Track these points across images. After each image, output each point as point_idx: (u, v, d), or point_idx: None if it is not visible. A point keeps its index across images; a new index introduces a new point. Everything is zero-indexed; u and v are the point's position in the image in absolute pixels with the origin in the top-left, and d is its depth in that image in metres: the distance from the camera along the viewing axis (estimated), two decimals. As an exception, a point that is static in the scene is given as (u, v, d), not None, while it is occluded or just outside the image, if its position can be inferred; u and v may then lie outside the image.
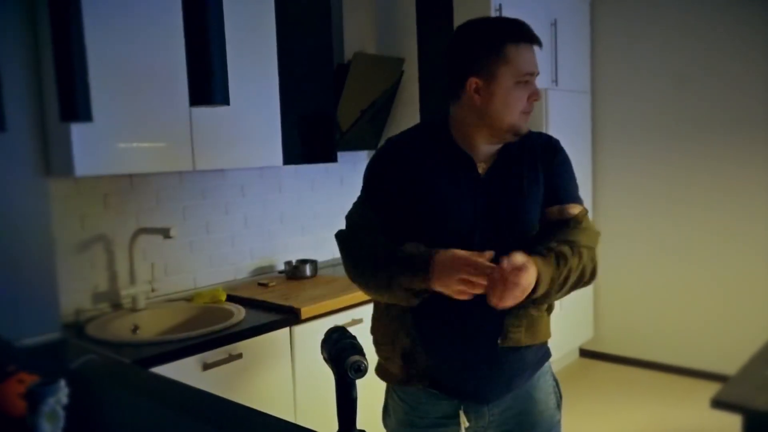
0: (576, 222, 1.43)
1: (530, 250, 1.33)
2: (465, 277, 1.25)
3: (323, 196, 3.31)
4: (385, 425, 1.64)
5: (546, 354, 1.57)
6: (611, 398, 3.70)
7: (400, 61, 3.33)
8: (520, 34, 1.38)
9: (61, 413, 0.82)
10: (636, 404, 3.58)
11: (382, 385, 2.71)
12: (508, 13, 3.31)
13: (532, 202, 1.45)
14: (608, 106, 4.18)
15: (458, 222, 1.41)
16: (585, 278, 1.41)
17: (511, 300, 1.24)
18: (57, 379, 0.82)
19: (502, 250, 1.29)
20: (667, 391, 3.73)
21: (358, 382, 1.04)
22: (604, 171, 4.23)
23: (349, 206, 3.80)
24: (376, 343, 1.56)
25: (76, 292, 2.33)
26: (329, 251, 3.33)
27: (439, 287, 1.30)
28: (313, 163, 2.98)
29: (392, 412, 1.60)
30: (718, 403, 1.76)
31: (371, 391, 2.66)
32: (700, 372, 3.77)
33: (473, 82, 1.39)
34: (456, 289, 1.28)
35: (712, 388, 1.90)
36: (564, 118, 3.84)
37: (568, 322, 3.78)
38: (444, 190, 1.42)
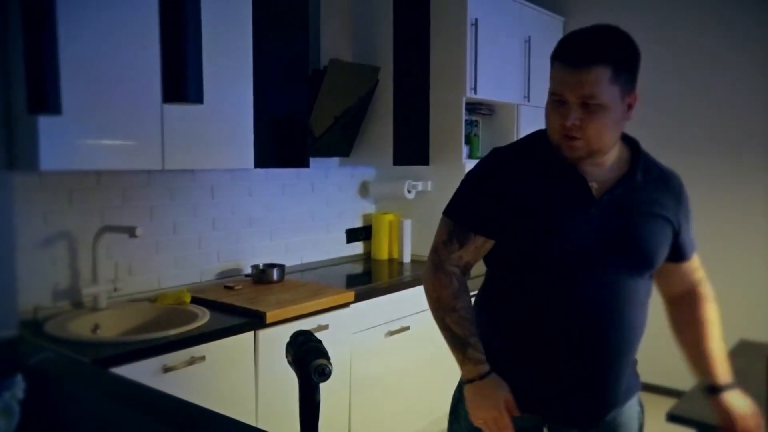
0: (700, 288, 1.55)
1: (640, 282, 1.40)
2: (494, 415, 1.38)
3: (293, 202, 3.30)
4: (451, 431, 1.58)
5: (637, 383, 1.54)
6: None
7: (376, 70, 3.35)
8: (560, 50, 1.31)
9: (17, 409, 0.80)
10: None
11: (345, 391, 2.70)
12: (483, 27, 3.36)
13: (656, 237, 1.39)
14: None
15: (570, 240, 1.35)
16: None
17: None
18: (13, 374, 0.80)
19: (615, 279, 1.36)
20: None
21: (323, 387, 1.03)
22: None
23: (319, 212, 3.78)
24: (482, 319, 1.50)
25: (35, 289, 2.28)
26: (297, 256, 3.32)
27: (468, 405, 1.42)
28: (284, 167, 2.97)
29: (462, 416, 1.50)
30: (673, 417, 1.80)
31: (335, 396, 2.65)
32: (656, 387, 3.84)
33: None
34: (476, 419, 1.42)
35: (667, 403, 1.94)
36: (534, 134, 3.89)
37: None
38: (551, 206, 1.36)
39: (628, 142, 1.46)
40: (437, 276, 1.45)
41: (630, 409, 1.52)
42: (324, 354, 1.01)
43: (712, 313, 1.53)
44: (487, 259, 1.50)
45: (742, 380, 2.02)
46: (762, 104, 3.63)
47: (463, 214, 1.45)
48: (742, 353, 2.28)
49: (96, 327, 2.27)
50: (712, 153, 3.78)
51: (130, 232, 2.31)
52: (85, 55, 2.02)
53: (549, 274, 1.37)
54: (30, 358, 1.56)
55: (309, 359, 1.00)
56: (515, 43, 3.70)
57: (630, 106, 1.34)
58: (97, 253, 2.39)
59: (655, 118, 3.94)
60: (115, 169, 2.38)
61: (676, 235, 1.43)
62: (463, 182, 1.49)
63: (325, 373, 0.99)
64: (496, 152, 1.48)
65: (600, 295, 1.36)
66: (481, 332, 1.47)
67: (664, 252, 1.42)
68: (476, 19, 3.32)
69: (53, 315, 2.26)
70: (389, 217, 3.61)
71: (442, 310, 1.44)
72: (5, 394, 0.76)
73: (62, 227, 2.35)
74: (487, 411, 1.38)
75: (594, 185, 1.37)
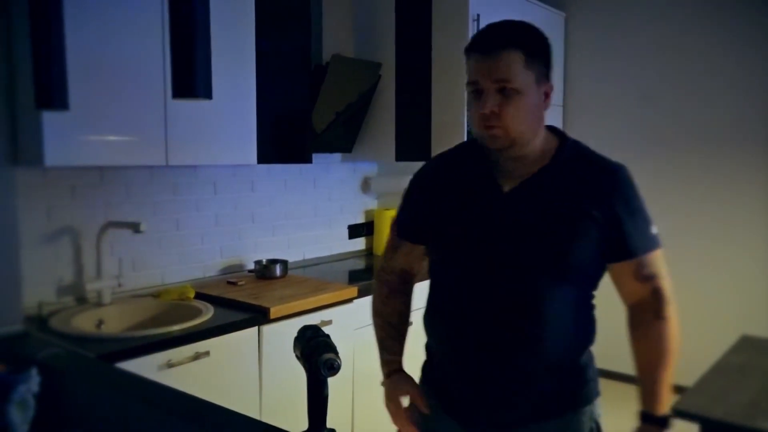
0: (656, 304, 1.37)
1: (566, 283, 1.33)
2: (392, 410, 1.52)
3: (296, 197, 3.30)
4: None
5: (588, 391, 1.42)
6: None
7: (378, 66, 3.34)
8: (473, 43, 1.33)
9: (32, 402, 0.80)
10: (596, 413, 3.63)
11: (348, 386, 2.71)
12: (485, 23, 3.34)
13: (573, 233, 1.30)
14: (579, 119, 4.25)
15: (475, 239, 1.35)
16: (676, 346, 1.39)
17: None
18: (28, 368, 0.80)
19: (529, 281, 1.30)
20: (626, 400, 3.79)
21: (329, 381, 1.04)
22: (573, 183, 4.30)
23: (321, 207, 3.78)
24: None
25: (39, 284, 2.28)
26: (300, 252, 3.32)
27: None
28: (287, 163, 2.97)
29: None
30: (677, 412, 1.81)
31: (338, 391, 2.66)
32: (659, 383, 3.86)
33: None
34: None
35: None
36: (536, 130, 3.90)
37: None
38: (462, 207, 1.38)
39: (558, 135, 1.42)
40: (375, 284, 1.61)
41: (574, 422, 1.39)
42: (333, 348, 1.02)
43: (666, 339, 1.38)
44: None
45: (744, 376, 2.03)
46: (762, 103, 3.62)
47: (396, 222, 1.56)
48: (743, 349, 2.29)
49: (100, 322, 2.27)
50: (712, 151, 3.78)
51: (135, 227, 2.32)
52: (90, 51, 2.02)
53: (464, 274, 1.36)
54: (36, 354, 1.57)
55: (317, 354, 1.00)
56: (517, 39, 3.70)
57: (546, 95, 1.33)
58: (101, 249, 2.39)
59: (655, 116, 3.95)
60: (120, 164, 2.39)
61: (610, 231, 1.31)
62: (402, 198, 1.58)
63: (333, 368, 1.00)
64: (431, 159, 1.57)
65: (513, 298, 1.31)
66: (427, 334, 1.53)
67: (580, 251, 1.30)
68: (478, 15, 3.32)
69: (58, 310, 2.27)
70: (391, 212, 3.62)
71: (373, 314, 1.61)
72: (21, 388, 0.76)
73: (66, 223, 2.36)
74: (388, 405, 1.54)
75: (509, 182, 1.34)
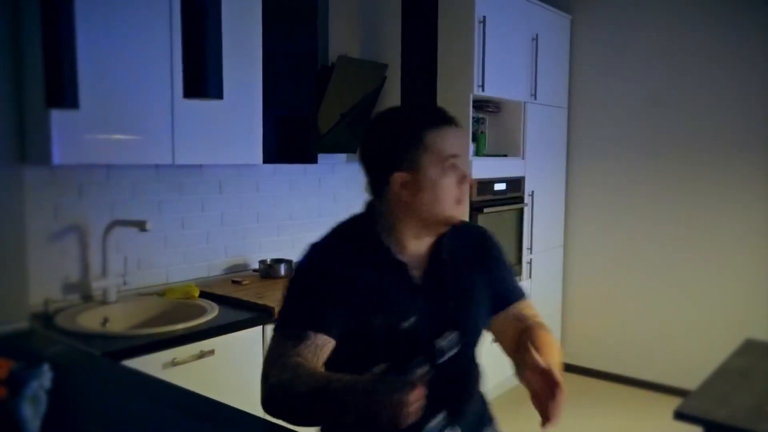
0: (537, 324, 1.38)
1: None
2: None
3: (300, 197, 3.31)
4: None
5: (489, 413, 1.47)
6: (576, 410, 3.75)
7: (383, 67, 3.35)
8: (436, 118, 1.30)
9: (44, 397, 0.81)
10: (600, 416, 3.64)
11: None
12: (491, 25, 3.36)
13: (478, 304, 1.36)
14: (584, 122, 4.26)
15: (396, 328, 1.28)
16: None
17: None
18: (40, 363, 0.81)
19: (453, 357, 1.30)
20: (630, 403, 3.80)
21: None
22: (576, 185, 4.31)
23: (325, 208, 3.78)
24: None
25: (46, 282, 2.29)
26: (304, 252, 3.33)
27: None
28: (292, 163, 2.98)
29: None
30: (680, 415, 1.82)
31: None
32: (662, 386, 3.85)
33: (398, 177, 1.27)
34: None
35: (673, 402, 1.95)
36: (541, 132, 3.91)
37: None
38: (378, 299, 1.28)
39: None
40: (266, 387, 1.31)
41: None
42: None
43: (549, 335, 1.35)
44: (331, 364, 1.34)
45: (747, 380, 2.03)
46: (764, 103, 3.62)
47: (298, 318, 1.30)
48: (747, 352, 2.29)
49: (105, 320, 2.28)
50: (717, 153, 3.78)
51: (140, 226, 2.33)
52: (97, 50, 2.03)
53: (392, 362, 1.29)
54: (42, 351, 1.58)
55: None
56: (523, 41, 3.71)
57: None
58: (107, 247, 2.40)
59: (660, 119, 3.95)
60: (127, 163, 2.40)
61: (495, 286, 1.39)
62: (290, 292, 1.34)
63: None
64: (315, 249, 1.35)
65: (443, 373, 1.28)
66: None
67: (485, 313, 1.37)
68: (484, 17, 3.33)
69: (63, 308, 2.28)
70: (395, 213, 3.62)
71: (286, 394, 1.26)
72: (33, 384, 0.77)
73: (72, 221, 2.37)
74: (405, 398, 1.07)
75: (416, 270, 1.32)
